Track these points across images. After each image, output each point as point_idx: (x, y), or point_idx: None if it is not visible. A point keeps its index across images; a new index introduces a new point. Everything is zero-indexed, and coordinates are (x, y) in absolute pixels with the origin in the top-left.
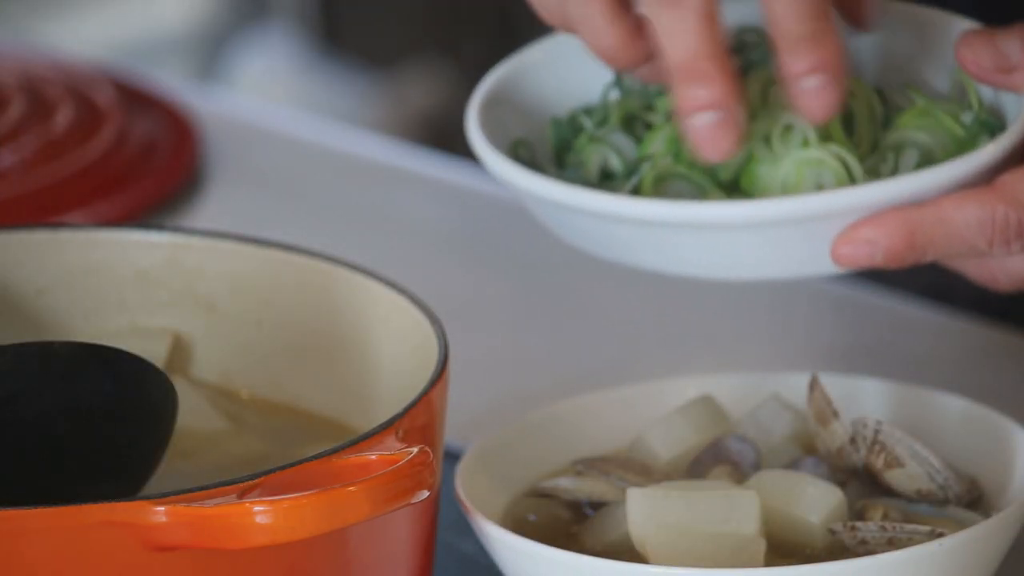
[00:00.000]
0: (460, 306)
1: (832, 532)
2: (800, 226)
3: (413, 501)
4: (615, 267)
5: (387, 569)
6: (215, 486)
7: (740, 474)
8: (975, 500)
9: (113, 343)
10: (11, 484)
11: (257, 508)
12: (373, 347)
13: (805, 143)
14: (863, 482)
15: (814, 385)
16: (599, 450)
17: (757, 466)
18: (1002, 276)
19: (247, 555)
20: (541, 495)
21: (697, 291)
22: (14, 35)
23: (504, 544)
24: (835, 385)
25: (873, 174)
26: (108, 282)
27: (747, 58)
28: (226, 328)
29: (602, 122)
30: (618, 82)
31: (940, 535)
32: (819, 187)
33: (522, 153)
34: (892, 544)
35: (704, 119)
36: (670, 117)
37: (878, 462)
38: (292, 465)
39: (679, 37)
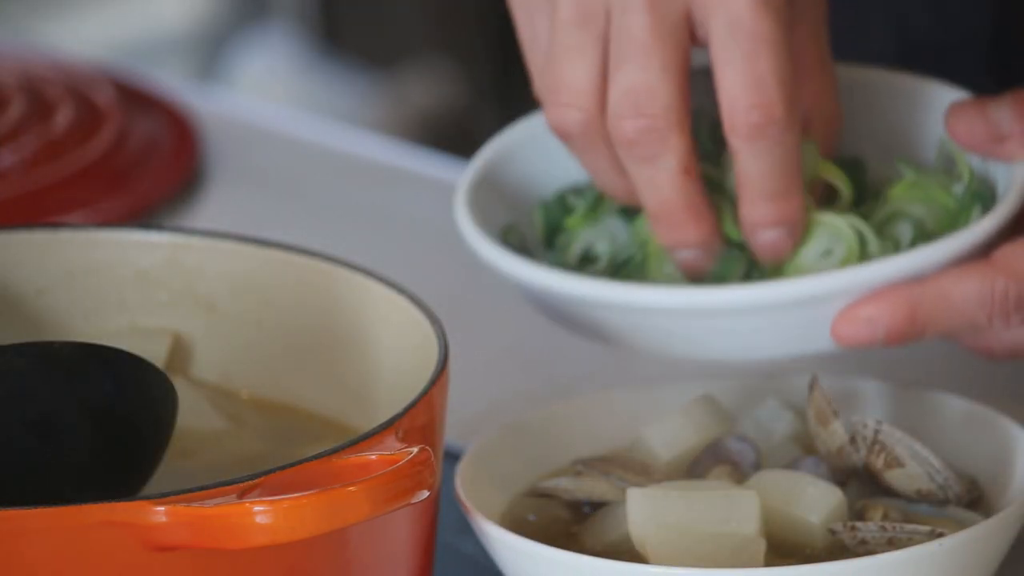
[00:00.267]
0: (460, 306)
1: (832, 532)
2: (799, 308)
3: (413, 501)
4: None
5: (387, 569)
6: (215, 486)
7: (740, 474)
8: (975, 500)
9: (113, 343)
10: (11, 484)
11: (257, 508)
12: (373, 347)
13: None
14: (863, 482)
15: (814, 385)
16: (599, 450)
17: (757, 466)
18: (998, 347)
19: (247, 555)
20: (541, 495)
21: None
22: (14, 35)
23: (504, 544)
24: (835, 385)
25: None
26: (108, 282)
27: None
28: (226, 328)
29: (595, 202)
30: None
31: (940, 535)
32: (827, 253)
33: (512, 239)
34: (892, 544)
35: (684, 254)
36: None
37: (878, 462)
38: (292, 465)
39: (655, 191)
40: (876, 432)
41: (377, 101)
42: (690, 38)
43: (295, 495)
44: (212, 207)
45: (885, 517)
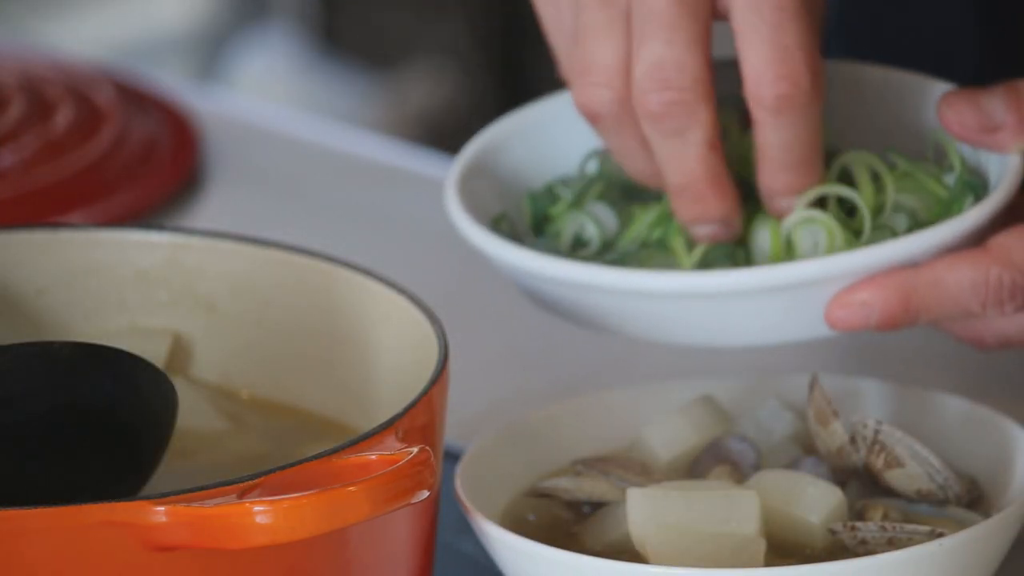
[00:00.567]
0: (460, 306)
1: (832, 532)
2: (793, 293)
3: (413, 501)
4: None
5: (387, 569)
6: (215, 486)
7: (740, 474)
8: (975, 500)
9: (113, 343)
10: (11, 484)
11: (257, 508)
12: (373, 347)
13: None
14: (863, 482)
15: (814, 385)
16: (599, 450)
17: (757, 466)
18: (989, 337)
19: (247, 555)
20: (541, 495)
21: None
22: (14, 35)
23: (504, 544)
24: (835, 385)
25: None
26: (108, 282)
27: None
28: (226, 328)
29: (582, 193)
30: (598, 153)
31: (940, 535)
32: (815, 246)
33: (503, 227)
34: (892, 544)
35: (704, 229)
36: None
37: (878, 462)
38: (292, 465)
39: (681, 164)
40: (876, 432)
41: (376, 101)
42: (711, 11)
43: (295, 495)
44: (212, 207)
45: (885, 517)
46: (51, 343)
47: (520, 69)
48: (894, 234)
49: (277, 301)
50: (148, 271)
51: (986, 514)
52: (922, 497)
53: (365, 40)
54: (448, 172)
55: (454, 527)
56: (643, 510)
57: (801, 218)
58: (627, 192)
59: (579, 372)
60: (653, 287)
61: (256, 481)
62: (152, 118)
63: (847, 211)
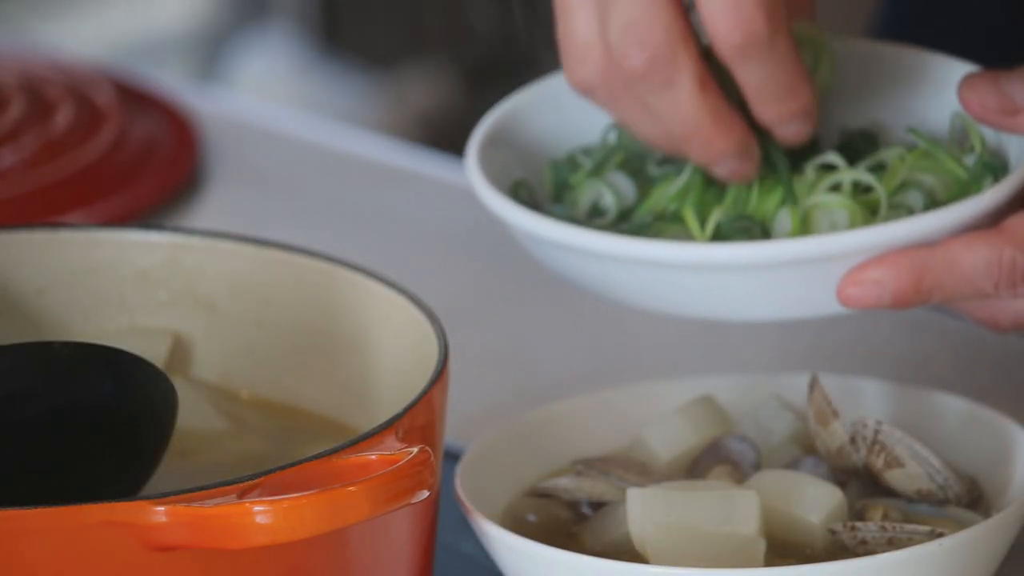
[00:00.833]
0: (460, 306)
1: (832, 532)
2: (806, 267)
3: (413, 501)
4: None
5: (387, 569)
6: (215, 486)
7: (740, 474)
8: (975, 500)
9: (113, 343)
10: (11, 484)
11: (257, 508)
12: (373, 347)
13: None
14: (863, 482)
15: (814, 385)
16: (599, 450)
17: (757, 466)
18: (1003, 318)
19: (247, 555)
20: (541, 495)
21: None
22: (14, 35)
23: (504, 544)
24: (835, 385)
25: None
26: (108, 282)
27: None
28: (226, 328)
29: (602, 162)
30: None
31: (940, 535)
32: (832, 226)
33: (522, 194)
34: (892, 544)
35: (724, 167)
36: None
37: (878, 462)
38: (292, 465)
39: (679, 112)
40: (876, 432)
41: (377, 101)
42: None
43: (295, 495)
44: (212, 207)
45: (885, 517)
46: (51, 343)
47: (520, 69)
48: (910, 212)
49: (277, 301)
50: (148, 271)
51: (986, 514)
52: (922, 497)
53: (365, 40)
54: (457, 180)
55: (454, 527)
56: (643, 510)
57: (820, 201)
58: (645, 164)
59: (579, 372)
60: (664, 257)
61: (256, 481)
62: (152, 118)
63: (863, 190)
